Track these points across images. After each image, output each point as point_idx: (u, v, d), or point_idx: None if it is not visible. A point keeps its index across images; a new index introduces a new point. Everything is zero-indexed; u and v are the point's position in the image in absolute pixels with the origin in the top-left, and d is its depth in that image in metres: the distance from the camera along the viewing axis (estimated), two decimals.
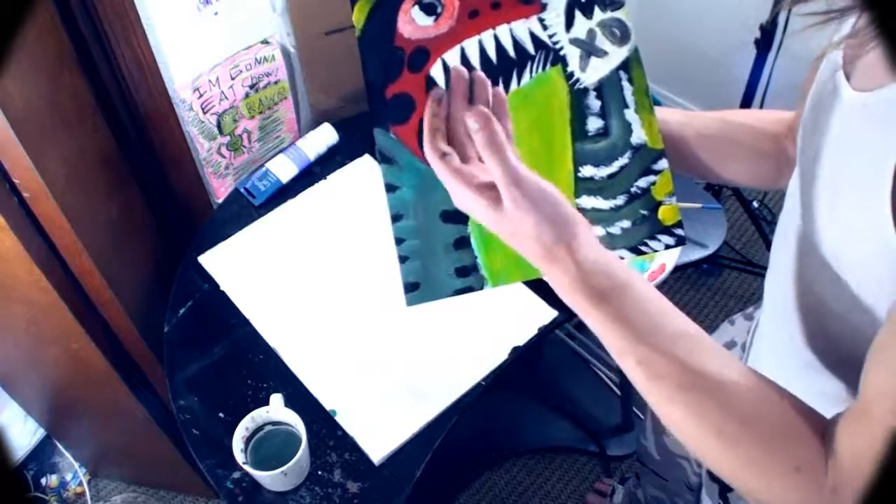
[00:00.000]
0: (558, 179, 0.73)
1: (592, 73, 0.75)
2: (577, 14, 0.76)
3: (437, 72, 0.75)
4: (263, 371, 1.00)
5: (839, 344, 0.60)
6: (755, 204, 1.94)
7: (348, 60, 1.32)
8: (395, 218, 0.74)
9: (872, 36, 0.51)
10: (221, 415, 0.97)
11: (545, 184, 0.58)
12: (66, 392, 1.34)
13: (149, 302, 1.19)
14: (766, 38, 1.58)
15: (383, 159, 0.74)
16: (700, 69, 2.08)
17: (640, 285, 0.57)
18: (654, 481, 1.22)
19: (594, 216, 0.72)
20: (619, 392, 1.67)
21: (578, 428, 1.69)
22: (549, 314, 1.03)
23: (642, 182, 0.72)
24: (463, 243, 0.73)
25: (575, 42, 0.76)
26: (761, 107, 1.73)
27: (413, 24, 0.77)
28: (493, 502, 1.64)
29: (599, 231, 0.72)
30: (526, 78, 0.75)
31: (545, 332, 1.02)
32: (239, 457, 0.86)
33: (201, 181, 1.26)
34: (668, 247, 0.71)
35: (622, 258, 0.70)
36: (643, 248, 0.71)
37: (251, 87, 1.22)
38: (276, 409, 0.90)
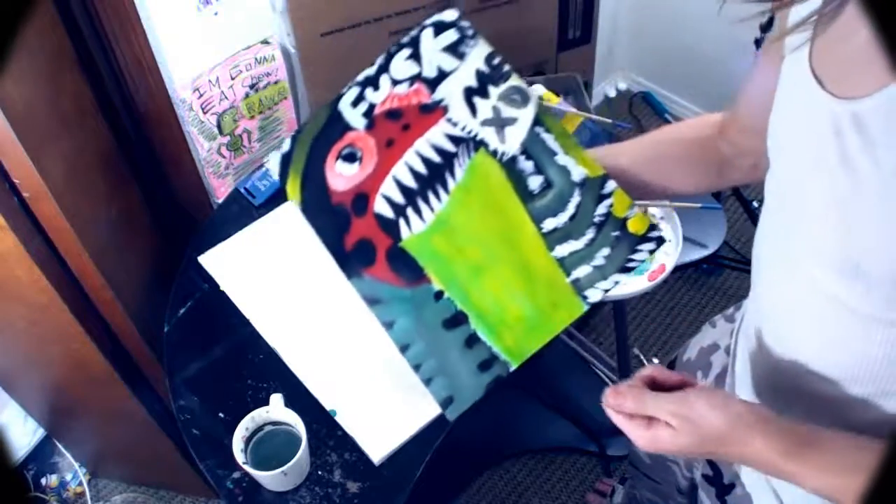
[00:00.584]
0: (528, 243, 0.77)
1: (513, 141, 0.79)
2: (476, 100, 0.81)
3: (381, 207, 0.81)
4: (263, 371, 1.00)
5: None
6: (755, 204, 1.94)
7: (348, 60, 1.32)
8: (404, 349, 0.78)
9: (853, 30, 0.50)
10: (221, 415, 0.97)
11: (698, 404, 0.61)
12: (66, 392, 1.34)
13: (149, 302, 1.19)
14: (765, 39, 1.58)
15: (370, 302, 0.79)
16: (700, 69, 2.08)
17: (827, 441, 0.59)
18: (646, 484, 1.22)
19: (574, 259, 0.75)
20: None
21: (578, 428, 1.69)
22: None
23: (601, 209, 0.75)
24: (473, 340, 0.77)
25: (486, 123, 0.80)
26: None
27: (342, 177, 0.83)
28: (493, 502, 1.64)
29: (586, 269, 0.75)
30: (459, 173, 0.79)
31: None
32: (239, 457, 0.86)
33: (201, 181, 1.26)
34: (652, 252, 0.74)
35: (618, 283, 0.74)
36: (631, 265, 0.74)
37: (251, 87, 1.22)
38: (276, 409, 0.90)
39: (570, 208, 0.76)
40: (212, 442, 0.94)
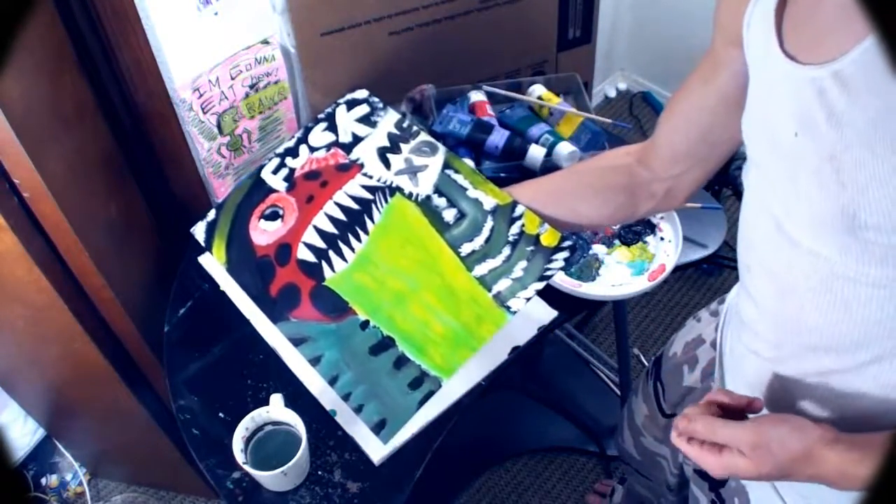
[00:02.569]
0: (447, 267, 0.83)
1: (425, 184, 0.88)
2: (390, 156, 0.90)
3: (303, 254, 0.88)
4: (263, 371, 1.00)
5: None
6: None
7: (348, 60, 1.32)
8: (332, 381, 0.83)
9: (818, 2, 0.54)
10: (221, 415, 0.97)
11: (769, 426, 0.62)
12: (66, 392, 1.34)
13: (149, 302, 1.19)
14: None
15: (296, 343, 0.85)
16: None
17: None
18: (639, 481, 1.22)
19: (494, 275, 0.82)
20: (619, 392, 1.67)
21: (578, 428, 1.69)
22: (548, 314, 1.03)
23: (514, 229, 0.82)
24: (401, 361, 0.82)
25: (399, 172, 0.89)
26: None
27: (265, 233, 0.90)
28: (493, 502, 1.64)
29: (506, 282, 0.81)
30: (377, 215, 0.87)
31: (545, 332, 1.02)
32: (239, 457, 0.86)
33: (201, 181, 1.25)
34: (566, 260, 0.80)
35: (538, 291, 0.80)
36: (548, 273, 0.80)
37: (251, 87, 1.22)
38: (276, 409, 0.90)
39: (485, 232, 0.83)
40: (212, 442, 0.94)
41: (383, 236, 0.86)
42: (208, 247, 0.92)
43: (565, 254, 0.80)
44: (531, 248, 0.81)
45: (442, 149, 0.89)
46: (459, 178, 0.87)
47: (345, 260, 0.86)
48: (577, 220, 0.85)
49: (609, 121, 1.28)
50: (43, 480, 1.64)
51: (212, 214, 0.94)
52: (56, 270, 1.00)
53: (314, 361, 0.83)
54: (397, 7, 1.30)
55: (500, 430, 1.71)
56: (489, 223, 0.83)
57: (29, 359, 1.24)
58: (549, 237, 0.81)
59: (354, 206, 0.88)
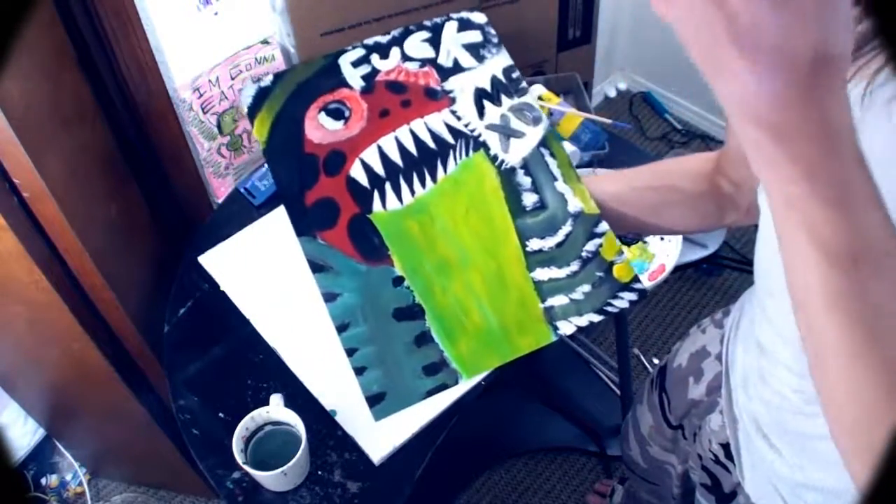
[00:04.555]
0: (507, 256, 0.73)
1: (515, 153, 0.76)
2: (486, 104, 0.78)
3: (357, 172, 0.75)
4: (263, 371, 1.00)
5: None
6: None
7: None
8: (341, 328, 0.71)
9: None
10: (221, 415, 0.97)
11: None
12: (66, 392, 1.34)
13: (149, 302, 1.19)
14: None
15: (315, 268, 0.73)
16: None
17: None
18: (644, 487, 1.22)
19: (553, 286, 0.72)
20: (619, 392, 1.67)
21: (578, 428, 1.69)
22: None
23: (590, 246, 0.73)
24: (425, 339, 0.70)
25: (491, 127, 0.77)
26: None
27: (322, 129, 0.77)
28: (493, 502, 1.64)
29: (563, 300, 0.71)
30: (451, 165, 0.76)
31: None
32: (239, 457, 0.86)
33: (201, 181, 1.26)
34: (632, 303, 0.71)
35: (592, 322, 0.70)
36: (609, 309, 0.71)
37: None
38: (276, 409, 0.90)
39: (560, 235, 0.73)
40: (212, 442, 0.94)
41: (451, 192, 0.75)
42: (251, 115, 0.77)
43: (632, 296, 0.70)
44: (601, 274, 0.71)
45: (545, 122, 0.77)
46: (552, 164, 0.76)
47: (400, 200, 0.74)
48: (659, 223, 0.79)
49: (609, 121, 1.28)
50: (43, 480, 1.64)
51: (267, 80, 0.79)
52: (56, 270, 1.00)
53: (328, 297, 0.71)
54: (397, 7, 1.30)
55: (500, 430, 1.71)
56: (567, 227, 0.73)
57: (29, 359, 1.24)
58: (622, 270, 0.71)
59: (431, 143, 0.76)
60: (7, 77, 0.82)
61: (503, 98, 0.79)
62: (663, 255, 1.10)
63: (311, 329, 1.04)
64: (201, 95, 1.15)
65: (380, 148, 0.76)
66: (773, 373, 0.71)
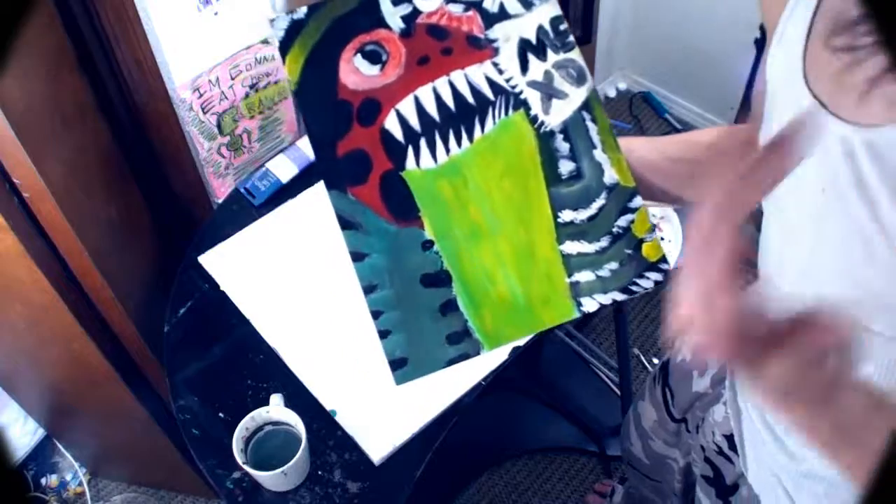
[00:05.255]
0: (539, 226, 0.70)
1: (556, 115, 0.72)
2: (531, 57, 0.73)
3: (392, 124, 0.71)
4: (263, 371, 1.00)
5: None
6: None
7: None
8: (368, 289, 0.69)
9: (873, 52, 0.46)
10: (221, 415, 0.97)
11: None
12: (66, 392, 1.34)
13: (149, 302, 1.19)
14: (766, 38, 1.58)
15: (344, 225, 0.69)
16: (700, 69, 2.08)
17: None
18: (646, 484, 1.22)
19: (581, 261, 0.69)
20: (619, 392, 1.67)
21: (578, 428, 1.69)
22: None
23: (622, 221, 0.70)
24: (450, 307, 0.68)
25: (533, 85, 0.73)
26: None
27: (357, 73, 0.72)
28: (493, 502, 1.64)
29: (589, 276, 0.69)
30: (489, 124, 0.71)
31: (545, 332, 1.02)
32: (239, 457, 0.86)
33: (201, 181, 1.25)
34: (657, 283, 0.69)
35: (615, 301, 0.69)
36: (634, 288, 0.69)
37: (251, 87, 1.22)
38: (276, 409, 0.90)
39: (593, 208, 0.70)
40: (212, 442, 0.94)
41: (487, 153, 0.71)
42: (283, 49, 0.71)
43: (658, 276, 0.68)
44: (630, 251, 0.69)
45: (590, 82, 0.72)
46: (593, 130, 0.71)
47: (434, 158, 0.70)
48: (694, 196, 0.76)
49: (609, 121, 1.28)
50: (43, 480, 1.64)
51: (301, 12, 0.73)
52: (56, 270, 1.00)
53: (356, 256, 0.69)
54: None
55: (500, 430, 1.71)
56: (601, 200, 0.70)
57: (29, 359, 1.24)
58: (651, 249, 0.69)
59: (469, 98, 0.71)
60: (7, 77, 0.82)
61: (549, 52, 0.73)
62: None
63: (311, 329, 1.04)
64: (201, 95, 1.15)
65: (417, 99, 0.71)
66: None
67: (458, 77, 0.72)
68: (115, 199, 1.12)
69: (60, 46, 0.98)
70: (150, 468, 1.59)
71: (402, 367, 0.68)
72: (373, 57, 0.72)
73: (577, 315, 0.69)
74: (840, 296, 0.55)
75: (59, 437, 1.61)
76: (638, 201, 0.70)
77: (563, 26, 0.73)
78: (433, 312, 0.68)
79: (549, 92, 0.72)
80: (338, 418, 0.95)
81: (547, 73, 0.72)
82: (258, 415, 0.90)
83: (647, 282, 0.69)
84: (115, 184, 1.13)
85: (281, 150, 1.27)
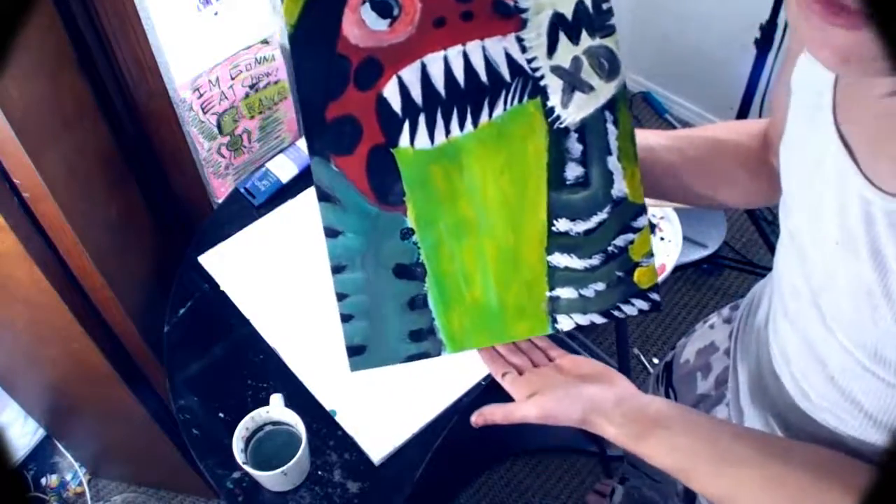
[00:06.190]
0: (531, 232, 0.64)
1: (575, 111, 0.63)
2: (562, 37, 0.63)
3: (391, 91, 0.62)
4: (263, 371, 1.00)
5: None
6: None
7: None
8: (337, 269, 0.64)
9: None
10: (221, 415, 0.97)
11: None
12: (66, 392, 1.34)
13: (149, 302, 1.19)
14: (766, 38, 1.58)
15: (322, 196, 0.62)
16: (700, 69, 2.08)
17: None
18: (647, 483, 1.22)
19: (566, 276, 0.64)
20: None
21: (578, 428, 1.69)
22: None
23: (620, 241, 0.64)
24: (419, 303, 0.64)
25: (557, 71, 0.64)
26: (761, 106, 1.73)
27: (363, 26, 0.62)
28: (493, 502, 1.64)
29: (572, 293, 0.64)
30: (499, 109, 0.63)
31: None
32: (239, 457, 0.86)
33: (201, 181, 1.26)
34: (641, 311, 0.64)
35: (593, 322, 0.65)
36: (616, 313, 0.64)
37: (251, 87, 1.22)
38: (276, 409, 0.90)
39: (592, 222, 0.64)
40: (212, 442, 0.94)
41: (490, 142, 0.63)
42: None
43: (644, 305, 0.64)
44: (621, 274, 0.64)
45: (621, 78, 0.64)
46: (612, 134, 0.64)
47: (431, 139, 0.63)
48: (715, 196, 0.74)
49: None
50: (43, 480, 1.64)
51: None
52: (56, 270, 1.00)
53: (330, 232, 0.63)
54: None
55: (500, 430, 1.71)
56: (603, 214, 0.63)
57: (29, 359, 1.24)
58: (644, 274, 0.64)
59: (483, 76, 0.62)
60: (7, 77, 0.82)
61: (583, 34, 0.63)
62: (663, 255, 1.10)
63: (311, 329, 1.04)
64: (201, 95, 1.15)
65: (424, 67, 0.62)
66: (782, 371, 0.71)
67: (474, 49, 0.62)
68: (115, 200, 1.12)
69: (60, 46, 0.98)
70: (150, 468, 1.59)
71: (359, 355, 0.65)
72: (383, 9, 0.63)
73: (549, 332, 0.65)
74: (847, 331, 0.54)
75: (58, 437, 1.61)
76: (642, 221, 0.64)
77: (607, 5, 0.64)
78: (401, 306, 0.64)
79: (573, 82, 0.64)
80: (338, 418, 0.95)
81: (575, 60, 0.63)
82: (258, 415, 0.90)
83: (632, 308, 0.64)
84: (115, 184, 1.13)
85: (281, 150, 1.27)
